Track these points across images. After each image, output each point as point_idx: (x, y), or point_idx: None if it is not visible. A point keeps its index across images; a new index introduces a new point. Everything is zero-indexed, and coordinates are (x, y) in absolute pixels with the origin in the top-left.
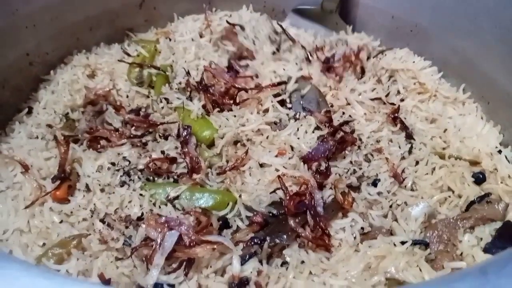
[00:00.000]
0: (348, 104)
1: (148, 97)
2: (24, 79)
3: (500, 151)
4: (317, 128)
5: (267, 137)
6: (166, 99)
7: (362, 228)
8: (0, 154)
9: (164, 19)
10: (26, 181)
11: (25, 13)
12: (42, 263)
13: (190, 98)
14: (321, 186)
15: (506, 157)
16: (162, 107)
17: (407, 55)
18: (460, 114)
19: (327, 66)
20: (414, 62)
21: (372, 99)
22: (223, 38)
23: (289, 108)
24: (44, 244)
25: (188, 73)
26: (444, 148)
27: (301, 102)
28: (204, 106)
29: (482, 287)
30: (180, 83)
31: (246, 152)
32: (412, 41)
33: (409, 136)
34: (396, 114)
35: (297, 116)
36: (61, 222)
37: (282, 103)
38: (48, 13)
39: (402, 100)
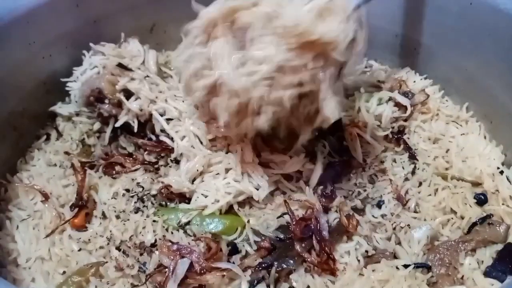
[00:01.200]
0: None
1: None
2: (41, 106)
3: (502, 172)
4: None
5: None
6: None
7: (367, 252)
8: (21, 182)
9: (175, 41)
10: (46, 209)
11: (41, 43)
12: None
13: None
14: (326, 210)
15: (507, 178)
16: None
17: (407, 74)
18: (462, 134)
19: None
20: (414, 82)
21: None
22: None
23: None
24: (64, 272)
25: None
26: (446, 169)
27: None
28: None
29: None
30: None
31: None
32: (416, 59)
33: (413, 157)
34: (400, 135)
35: None
36: (79, 250)
37: None
38: (63, 42)
39: (405, 120)
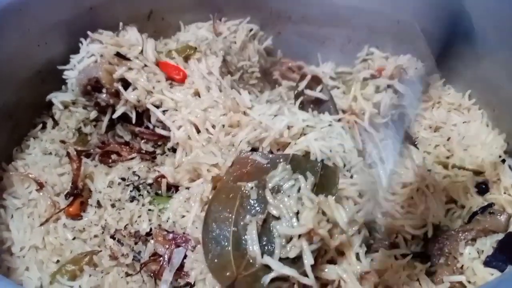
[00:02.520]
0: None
1: None
2: (37, 95)
3: (504, 160)
4: None
5: None
6: None
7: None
8: (16, 171)
9: (173, 28)
10: (41, 198)
11: (37, 31)
12: (56, 279)
13: None
14: None
15: (510, 167)
16: None
17: (408, 62)
18: (464, 122)
19: None
20: (416, 69)
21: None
22: None
23: None
24: (58, 261)
25: None
26: (448, 157)
27: (311, 106)
28: None
29: None
30: None
31: None
32: (418, 45)
33: (413, 145)
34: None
35: None
36: (74, 239)
37: None
38: (58, 30)
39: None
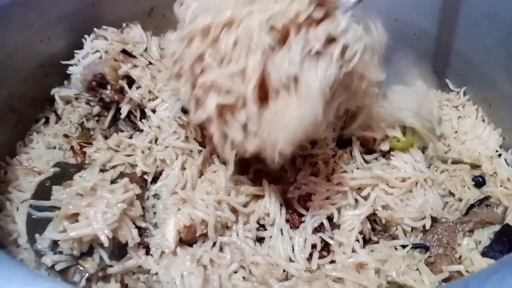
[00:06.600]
0: None
1: None
2: (40, 90)
3: (500, 155)
4: None
5: None
6: None
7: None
8: (20, 165)
9: (173, 26)
10: None
11: (40, 26)
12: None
13: None
14: None
15: (505, 161)
16: None
17: None
18: (459, 117)
19: None
20: None
21: None
22: None
23: None
24: None
25: None
26: (446, 152)
27: None
28: None
29: None
30: None
31: None
32: (415, 43)
33: None
34: None
35: None
36: None
37: None
38: (61, 25)
39: None
